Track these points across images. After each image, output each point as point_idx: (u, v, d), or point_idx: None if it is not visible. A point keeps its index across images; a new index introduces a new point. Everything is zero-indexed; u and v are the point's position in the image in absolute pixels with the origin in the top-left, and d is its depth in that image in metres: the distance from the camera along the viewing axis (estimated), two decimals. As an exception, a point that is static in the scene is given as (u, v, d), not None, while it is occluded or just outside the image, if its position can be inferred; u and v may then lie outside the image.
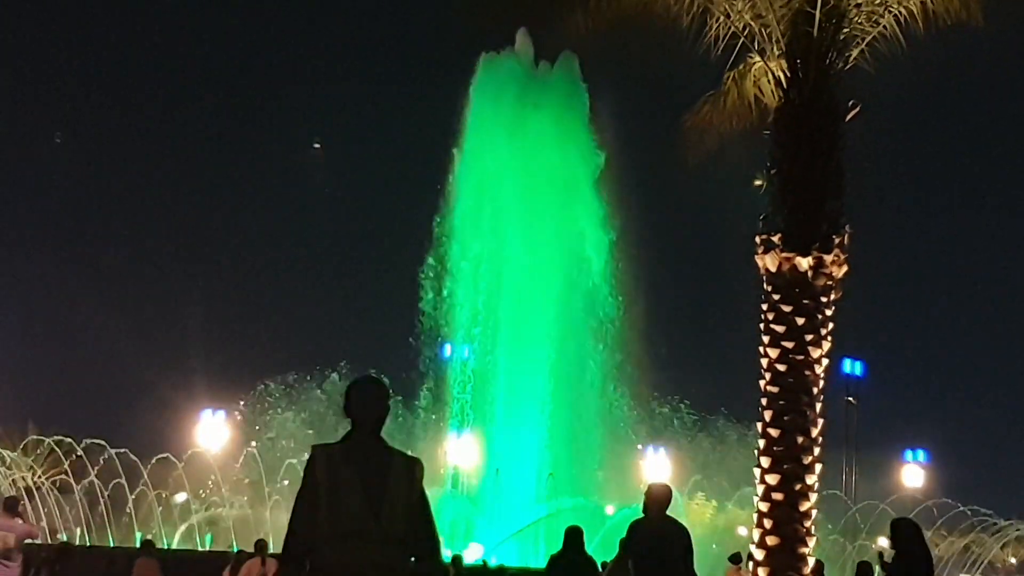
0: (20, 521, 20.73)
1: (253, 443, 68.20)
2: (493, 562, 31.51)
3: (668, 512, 14.43)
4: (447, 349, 64.97)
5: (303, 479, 7.87)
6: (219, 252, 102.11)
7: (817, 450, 19.79)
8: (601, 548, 25.23)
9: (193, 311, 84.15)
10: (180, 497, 72.03)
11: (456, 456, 58.92)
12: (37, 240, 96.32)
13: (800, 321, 19.78)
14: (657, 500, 14.58)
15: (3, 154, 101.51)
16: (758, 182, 21.33)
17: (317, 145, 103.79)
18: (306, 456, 8.00)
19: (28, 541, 20.72)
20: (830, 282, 19.99)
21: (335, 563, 7.65)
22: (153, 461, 70.21)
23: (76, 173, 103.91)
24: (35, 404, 76.64)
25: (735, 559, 27.73)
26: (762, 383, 20.15)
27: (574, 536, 19.14)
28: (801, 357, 19.74)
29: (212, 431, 70.20)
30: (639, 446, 68.53)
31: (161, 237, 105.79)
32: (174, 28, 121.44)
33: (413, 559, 7.98)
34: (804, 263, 19.77)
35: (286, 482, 70.54)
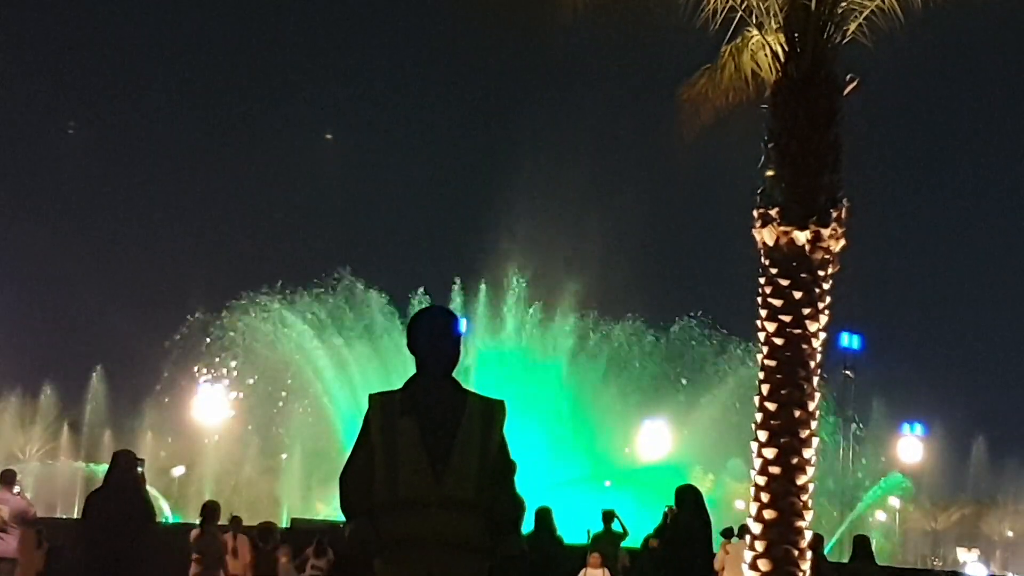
0: (16, 494, 20.73)
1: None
2: None
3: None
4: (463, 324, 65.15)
5: (356, 439, 6.78)
6: (221, 225, 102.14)
7: (814, 424, 19.82)
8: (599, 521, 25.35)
9: (192, 283, 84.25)
10: (177, 471, 72.34)
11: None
12: (38, 216, 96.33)
13: (798, 295, 19.77)
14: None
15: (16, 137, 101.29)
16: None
17: (329, 136, 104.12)
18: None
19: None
20: (828, 256, 19.97)
21: (393, 537, 6.48)
22: (152, 435, 70.53)
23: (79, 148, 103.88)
24: (27, 375, 76.77)
25: (727, 533, 27.80)
26: (759, 356, 20.18)
27: (692, 493, 18.89)
28: (798, 331, 19.74)
29: (210, 405, 70.30)
30: (643, 419, 68.89)
31: (163, 212, 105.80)
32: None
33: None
34: (802, 237, 19.75)
35: (284, 456, 70.86)
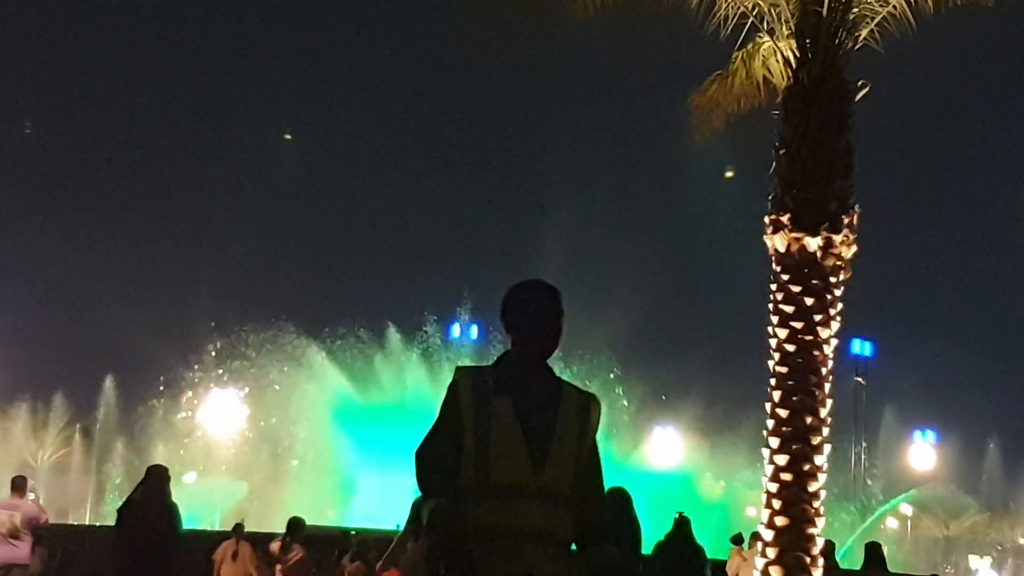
0: (29, 500, 20.77)
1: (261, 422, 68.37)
2: None
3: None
4: (455, 329, 65.22)
5: (440, 413, 5.95)
6: (224, 226, 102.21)
7: (826, 430, 19.78)
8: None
9: (201, 286, 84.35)
10: (189, 478, 72.36)
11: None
12: (51, 223, 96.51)
13: (809, 301, 19.74)
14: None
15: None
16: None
17: (288, 136, 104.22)
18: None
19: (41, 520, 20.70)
20: (839, 262, 19.95)
21: (484, 526, 5.68)
22: (163, 442, 70.72)
23: (75, 148, 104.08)
24: (41, 383, 76.90)
25: (737, 540, 27.78)
26: (770, 363, 20.13)
27: (619, 496, 18.96)
28: (810, 337, 19.71)
29: (221, 411, 70.45)
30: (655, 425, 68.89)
31: (165, 214, 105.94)
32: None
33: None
34: (813, 243, 19.73)
35: (295, 462, 70.90)
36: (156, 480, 16.12)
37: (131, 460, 69.39)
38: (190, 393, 71.59)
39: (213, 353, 69.33)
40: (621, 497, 17.00)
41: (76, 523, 59.35)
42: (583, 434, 5.94)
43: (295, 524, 23.53)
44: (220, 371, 70.16)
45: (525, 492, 5.71)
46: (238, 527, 27.50)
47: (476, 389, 5.87)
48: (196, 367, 70.61)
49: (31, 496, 21.28)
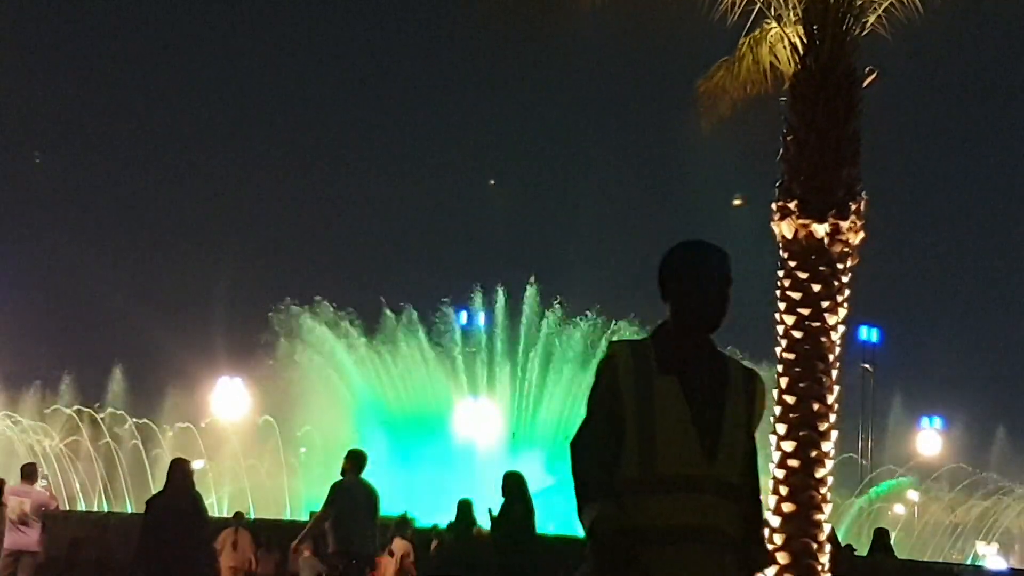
0: (39, 488, 20.89)
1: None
2: None
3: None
4: (463, 316, 65.16)
5: (595, 395, 5.34)
6: (237, 217, 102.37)
7: (833, 417, 19.80)
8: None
9: (211, 277, 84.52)
10: (197, 464, 72.49)
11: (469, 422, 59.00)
12: (50, 208, 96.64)
13: (816, 288, 19.75)
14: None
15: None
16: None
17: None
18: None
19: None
20: (846, 249, 19.96)
21: (651, 526, 5.11)
22: (172, 430, 70.92)
23: (89, 134, 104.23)
24: (49, 370, 77.09)
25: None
26: (778, 350, 20.14)
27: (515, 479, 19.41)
28: (817, 324, 19.72)
29: (229, 399, 70.55)
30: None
31: (176, 203, 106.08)
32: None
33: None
34: (820, 230, 19.73)
35: (303, 450, 71.03)
36: (180, 473, 17.49)
37: (139, 447, 69.48)
38: (199, 380, 71.71)
39: (222, 341, 69.45)
40: (518, 486, 17.56)
41: (84, 509, 59.46)
42: (751, 417, 5.42)
43: (401, 520, 24.46)
44: (229, 358, 70.26)
45: (698, 484, 5.16)
46: (238, 515, 27.74)
47: (637, 367, 5.27)
48: (205, 354, 70.75)
49: (43, 483, 21.42)
